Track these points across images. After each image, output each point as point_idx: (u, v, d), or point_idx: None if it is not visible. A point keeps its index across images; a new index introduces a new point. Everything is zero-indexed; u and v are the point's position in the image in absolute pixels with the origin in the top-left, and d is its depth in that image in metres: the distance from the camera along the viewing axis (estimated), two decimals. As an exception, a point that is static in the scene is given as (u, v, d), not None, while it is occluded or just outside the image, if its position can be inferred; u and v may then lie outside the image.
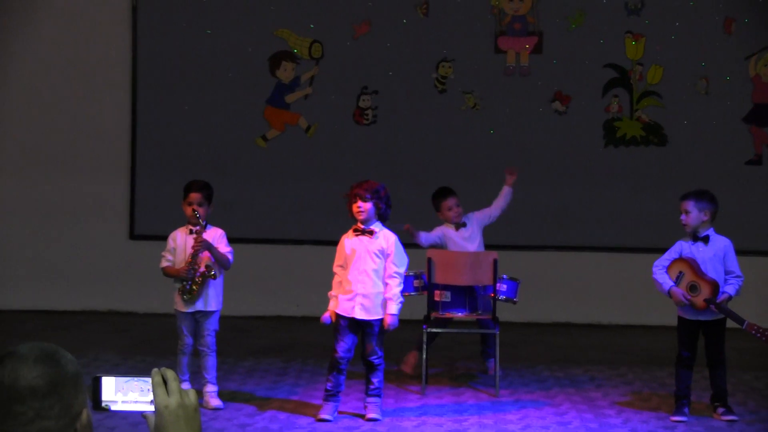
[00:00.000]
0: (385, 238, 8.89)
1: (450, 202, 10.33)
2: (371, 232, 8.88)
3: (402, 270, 8.90)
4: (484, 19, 13.23)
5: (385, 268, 8.85)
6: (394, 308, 8.78)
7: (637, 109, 13.23)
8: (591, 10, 13.13)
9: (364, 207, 8.86)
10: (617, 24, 13.16)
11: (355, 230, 8.93)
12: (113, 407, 2.94)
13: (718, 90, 13.13)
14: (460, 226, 10.32)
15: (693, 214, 8.98)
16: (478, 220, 10.47)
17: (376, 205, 8.88)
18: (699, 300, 8.68)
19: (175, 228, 9.22)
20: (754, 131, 13.15)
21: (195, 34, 13.21)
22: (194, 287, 8.94)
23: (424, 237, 10.20)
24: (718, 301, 8.69)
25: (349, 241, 8.92)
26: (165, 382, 2.83)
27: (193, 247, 8.93)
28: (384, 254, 8.85)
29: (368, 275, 8.81)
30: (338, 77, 13.30)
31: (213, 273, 8.96)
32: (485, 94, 13.26)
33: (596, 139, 13.23)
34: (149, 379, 2.86)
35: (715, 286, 8.68)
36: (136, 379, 2.94)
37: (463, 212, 10.38)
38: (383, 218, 8.99)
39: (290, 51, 13.33)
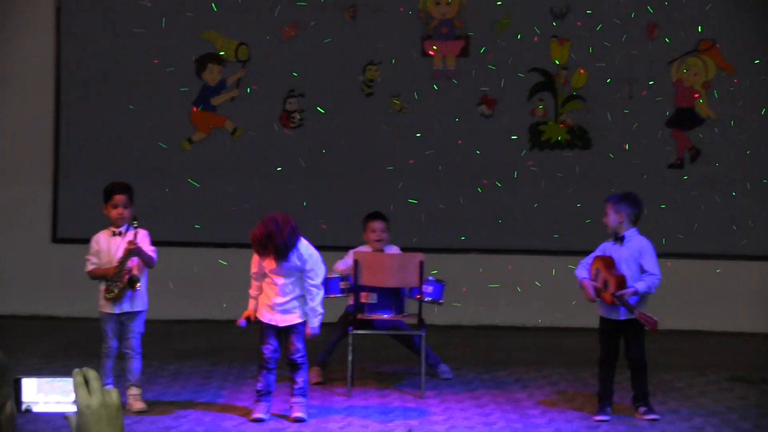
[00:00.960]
0: (298, 256, 8.88)
1: (376, 224, 10.31)
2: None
3: (318, 281, 8.90)
4: (412, 22, 13.28)
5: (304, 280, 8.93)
6: (315, 322, 8.87)
7: (561, 112, 13.33)
8: (517, 15, 13.21)
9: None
10: (543, 28, 13.25)
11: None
12: (35, 408, 2.93)
13: (641, 94, 13.27)
14: (375, 249, 10.31)
15: (610, 216, 9.11)
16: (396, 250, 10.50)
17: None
18: (607, 295, 8.80)
19: (97, 231, 9.16)
20: (676, 135, 13.29)
21: (120, 36, 13.15)
22: (116, 290, 8.93)
23: (343, 265, 10.22)
24: (620, 293, 8.79)
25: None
26: (87, 382, 2.83)
27: (126, 249, 8.91)
28: (299, 269, 8.88)
29: (284, 289, 8.86)
30: (265, 80, 13.30)
31: (137, 286, 8.97)
32: (412, 98, 13.30)
33: (522, 142, 13.32)
34: (71, 380, 2.84)
35: (621, 280, 8.79)
36: (57, 379, 2.90)
37: (387, 240, 10.38)
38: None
39: (217, 53, 13.31)
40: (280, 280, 8.85)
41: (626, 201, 9.14)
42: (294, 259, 8.81)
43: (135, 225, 9.02)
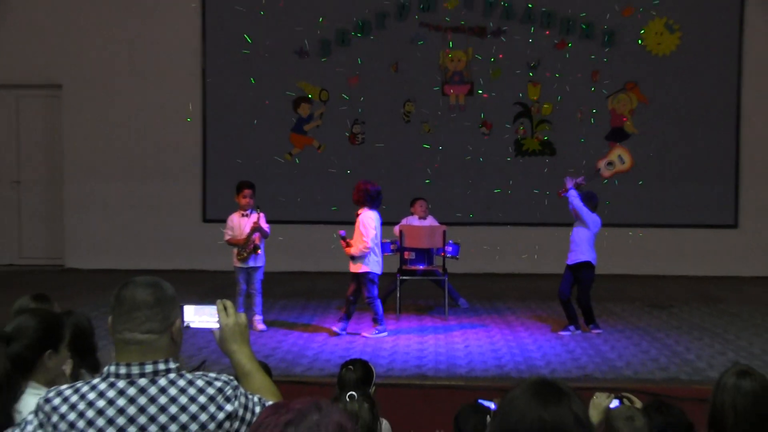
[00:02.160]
0: (360, 219, 8.92)
1: (421, 202, 10.55)
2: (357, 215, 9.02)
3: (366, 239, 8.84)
4: (435, 73, 13.33)
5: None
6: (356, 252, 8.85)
7: (535, 131, 13.35)
8: (505, 67, 13.23)
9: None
10: (522, 75, 13.27)
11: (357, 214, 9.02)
12: (192, 325, 3.00)
13: (588, 118, 13.27)
14: (421, 218, 10.46)
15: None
16: (433, 220, 10.57)
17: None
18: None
19: (231, 214, 9.28)
20: (611, 145, 13.28)
21: (242, 83, 13.29)
22: (245, 254, 9.08)
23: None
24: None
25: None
26: (225, 308, 2.93)
27: (251, 227, 9.04)
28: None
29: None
30: (338, 113, 13.37)
31: (258, 250, 9.12)
32: (436, 123, 13.35)
33: (509, 151, 13.35)
34: (215, 306, 2.94)
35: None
36: (206, 306, 2.96)
37: (427, 213, 10.51)
38: (364, 204, 8.95)
39: (306, 96, 13.41)
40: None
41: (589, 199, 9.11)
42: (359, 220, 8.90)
43: (258, 210, 9.18)
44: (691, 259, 13.09)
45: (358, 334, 8.93)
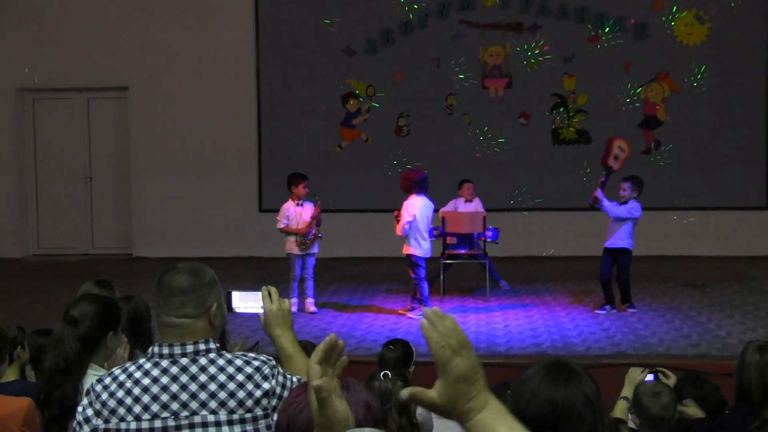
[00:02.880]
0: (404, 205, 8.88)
1: (469, 185, 10.44)
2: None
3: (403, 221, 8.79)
4: (475, 67, 13.22)
5: None
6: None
7: (572, 121, 13.19)
8: (541, 60, 13.09)
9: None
10: (558, 68, 13.11)
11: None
12: (238, 310, 3.00)
13: (623, 107, 13.07)
14: (468, 200, 10.37)
15: (626, 192, 8.92)
16: (479, 201, 10.47)
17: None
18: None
19: (282, 202, 9.28)
20: (645, 132, 13.07)
21: (294, 81, 13.31)
22: (308, 242, 9.07)
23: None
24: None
25: None
26: (270, 294, 2.91)
27: (312, 217, 9.01)
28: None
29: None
30: (384, 107, 13.34)
31: (321, 237, 9.11)
32: (477, 115, 13.25)
33: (547, 140, 13.20)
34: (260, 293, 2.93)
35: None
36: (252, 292, 3.00)
37: (474, 195, 10.42)
38: (412, 191, 8.86)
39: (354, 92, 13.39)
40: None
41: (634, 181, 8.96)
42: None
43: (317, 199, 9.17)
44: (724, 239, 12.82)
45: (409, 315, 8.88)
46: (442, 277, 9.83)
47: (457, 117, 13.24)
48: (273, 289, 2.94)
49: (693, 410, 3.92)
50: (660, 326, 8.27)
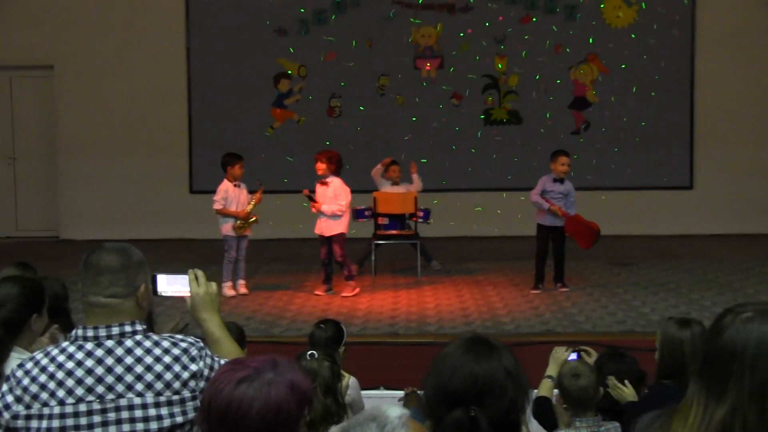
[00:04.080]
0: (333, 185, 8.95)
1: (395, 167, 10.28)
2: (326, 183, 8.98)
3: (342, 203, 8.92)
4: (407, 48, 13.26)
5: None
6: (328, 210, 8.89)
7: (503, 102, 13.33)
8: (473, 41, 13.18)
9: (321, 167, 8.94)
10: (490, 49, 13.22)
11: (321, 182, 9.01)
12: (164, 294, 2.97)
13: (552, 89, 13.25)
14: (395, 183, 10.28)
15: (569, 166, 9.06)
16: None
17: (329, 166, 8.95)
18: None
19: (216, 186, 9.15)
20: (575, 114, 13.28)
21: (224, 61, 13.19)
22: (247, 225, 9.00)
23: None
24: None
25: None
26: (196, 277, 2.90)
27: (257, 202, 8.95)
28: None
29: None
30: (316, 88, 13.30)
31: (257, 221, 9.06)
32: (409, 96, 13.29)
33: (479, 121, 13.33)
34: (186, 276, 2.91)
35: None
36: (178, 276, 2.92)
37: (400, 177, 10.30)
38: (336, 173, 8.99)
39: (286, 72, 13.32)
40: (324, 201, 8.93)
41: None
42: (331, 187, 8.90)
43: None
44: (650, 218, 13.13)
45: (342, 294, 8.93)
46: (373, 258, 9.87)
47: (389, 97, 13.27)
48: (200, 273, 2.94)
49: (628, 391, 4.04)
50: (587, 304, 8.45)
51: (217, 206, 9.02)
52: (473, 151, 13.21)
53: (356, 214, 9.67)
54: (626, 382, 4.07)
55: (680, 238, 12.72)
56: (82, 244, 12.59)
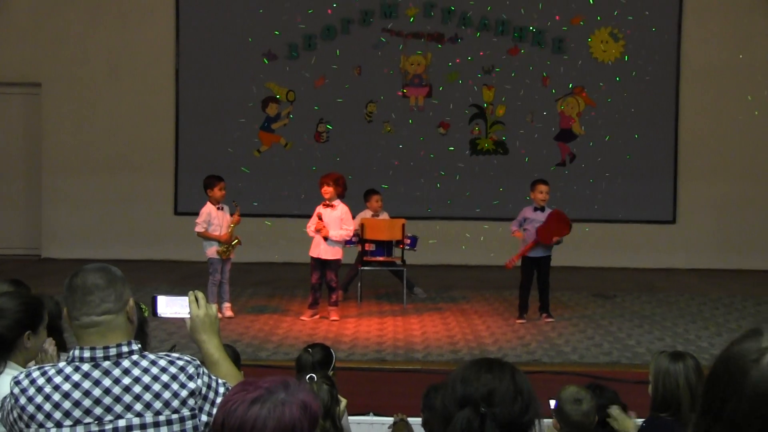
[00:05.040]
0: (341, 210, 8.96)
1: (377, 196, 10.24)
2: (333, 206, 8.97)
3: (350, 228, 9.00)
4: (396, 76, 13.29)
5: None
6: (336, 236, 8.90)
7: (490, 132, 13.36)
8: (462, 70, 13.23)
9: (329, 190, 8.94)
10: (478, 79, 13.27)
11: (325, 204, 9.01)
12: (164, 315, 2.94)
13: (539, 120, 13.31)
14: (375, 215, 10.17)
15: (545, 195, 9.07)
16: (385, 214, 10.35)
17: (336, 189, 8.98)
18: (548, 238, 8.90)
19: (200, 208, 9.11)
20: (560, 145, 13.33)
21: (213, 84, 13.17)
22: (230, 249, 8.92)
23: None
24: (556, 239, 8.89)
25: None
26: (197, 299, 2.88)
27: (233, 224, 8.88)
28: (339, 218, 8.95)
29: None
30: (304, 113, 13.29)
31: (240, 243, 9.00)
32: (397, 123, 13.31)
33: (465, 150, 13.35)
34: (186, 298, 2.89)
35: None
36: (178, 297, 2.93)
37: (382, 207, 10.22)
38: (341, 196, 9.01)
39: (275, 96, 13.31)
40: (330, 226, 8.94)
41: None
42: (338, 210, 8.98)
43: (236, 205, 9.04)
44: (633, 251, 13.17)
45: (330, 318, 8.90)
46: (359, 284, 9.83)
47: (377, 124, 13.28)
48: (200, 294, 2.92)
49: (630, 423, 4.01)
50: (573, 335, 8.44)
51: (198, 229, 8.96)
52: (457, 179, 13.19)
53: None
54: (630, 412, 4.04)
55: (662, 271, 12.76)
56: (64, 263, 12.53)
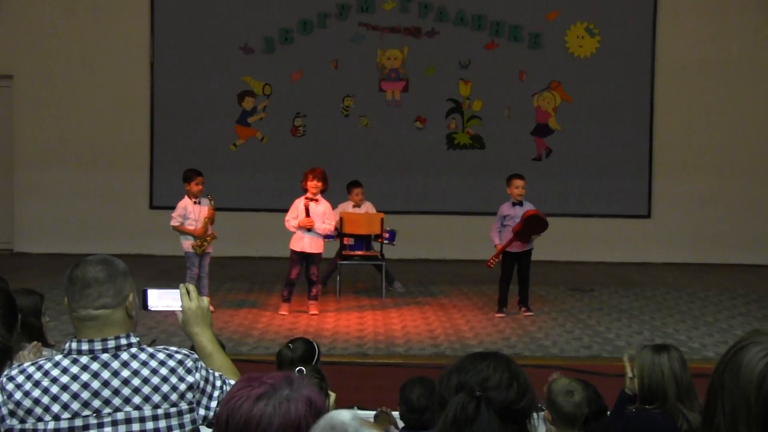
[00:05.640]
0: (325, 204, 8.99)
1: (357, 189, 10.22)
2: (317, 201, 8.96)
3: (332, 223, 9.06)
4: (372, 70, 13.27)
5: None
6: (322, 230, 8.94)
7: (466, 126, 13.38)
8: (438, 64, 13.23)
9: (317, 185, 8.94)
10: (454, 73, 13.28)
11: (308, 199, 8.97)
12: (155, 309, 2.92)
13: (516, 114, 13.34)
14: (356, 206, 10.19)
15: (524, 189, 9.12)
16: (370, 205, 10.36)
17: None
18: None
19: (176, 203, 9.03)
20: (537, 140, 13.37)
21: (189, 77, 13.08)
22: (205, 243, 8.85)
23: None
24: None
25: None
26: (188, 292, 2.88)
27: (206, 218, 8.82)
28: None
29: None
30: (281, 106, 13.23)
31: (215, 237, 8.93)
32: (373, 117, 13.29)
33: (442, 145, 13.35)
34: (178, 291, 2.88)
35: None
36: (169, 290, 2.90)
37: (363, 200, 10.23)
38: (324, 191, 9.03)
39: (251, 90, 13.24)
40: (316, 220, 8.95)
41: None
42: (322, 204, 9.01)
43: (210, 199, 8.98)
44: (609, 246, 13.25)
45: (310, 312, 8.90)
46: (338, 278, 9.81)
47: (353, 118, 13.25)
48: (191, 287, 2.91)
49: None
50: (553, 329, 8.47)
51: (173, 222, 8.91)
52: (434, 174, 13.20)
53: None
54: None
55: (637, 265, 12.85)
56: (37, 257, 12.42)
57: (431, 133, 13.29)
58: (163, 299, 2.89)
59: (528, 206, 9.10)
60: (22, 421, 2.43)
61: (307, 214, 8.85)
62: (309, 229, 8.85)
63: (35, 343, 3.56)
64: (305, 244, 8.87)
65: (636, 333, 8.33)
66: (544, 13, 13.24)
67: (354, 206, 10.16)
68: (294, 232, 8.94)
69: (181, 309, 2.85)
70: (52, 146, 13.04)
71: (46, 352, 3.98)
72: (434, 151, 13.27)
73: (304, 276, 8.95)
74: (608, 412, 4.32)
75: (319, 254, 8.92)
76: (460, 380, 2.09)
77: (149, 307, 2.87)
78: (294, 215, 8.95)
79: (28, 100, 13.02)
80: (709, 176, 13.33)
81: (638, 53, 13.31)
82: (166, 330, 7.89)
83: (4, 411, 2.45)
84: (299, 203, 8.98)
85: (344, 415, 1.80)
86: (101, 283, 2.57)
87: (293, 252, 8.93)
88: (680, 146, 13.33)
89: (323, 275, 10.02)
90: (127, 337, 2.58)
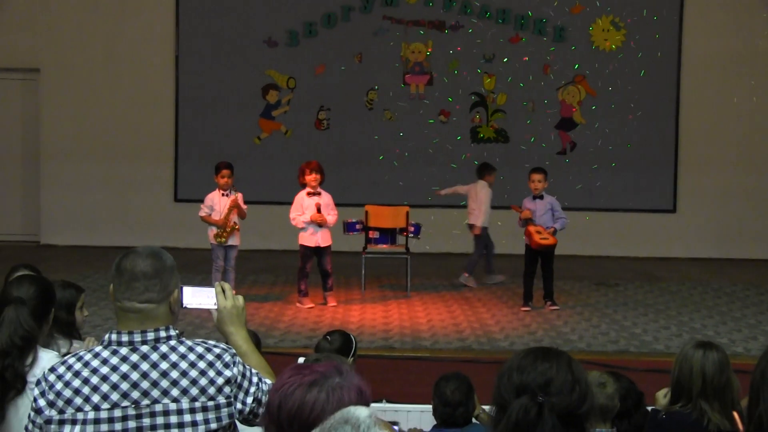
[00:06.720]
0: (326, 197, 9.00)
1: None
2: (318, 193, 8.93)
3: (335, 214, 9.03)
4: (397, 63, 13.22)
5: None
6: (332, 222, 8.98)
7: (491, 120, 13.32)
8: (462, 59, 13.17)
9: (318, 178, 8.93)
10: (478, 67, 13.21)
11: (309, 194, 8.94)
12: (189, 306, 2.90)
13: (540, 108, 13.26)
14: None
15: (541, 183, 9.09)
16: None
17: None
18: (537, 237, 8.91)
19: (204, 195, 9.09)
20: (561, 134, 13.29)
21: (213, 70, 13.09)
22: (225, 233, 8.87)
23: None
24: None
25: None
26: (223, 290, 2.86)
27: (229, 206, 8.84)
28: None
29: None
30: (305, 100, 13.21)
31: (238, 228, 8.94)
32: (397, 111, 13.25)
33: (466, 139, 13.29)
34: (213, 289, 2.86)
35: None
36: (204, 288, 2.88)
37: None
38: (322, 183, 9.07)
39: (275, 83, 13.23)
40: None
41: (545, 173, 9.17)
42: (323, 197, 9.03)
43: (235, 190, 9.00)
44: (633, 240, 13.15)
45: (329, 305, 8.91)
46: (363, 271, 9.78)
47: (377, 112, 13.21)
48: (227, 286, 2.90)
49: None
50: (579, 323, 8.41)
51: (200, 213, 8.99)
52: (454, 167, 13.10)
53: (347, 227, 9.61)
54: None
55: (662, 260, 12.75)
56: (63, 249, 12.48)
57: (455, 127, 13.23)
58: (197, 297, 2.86)
59: (549, 199, 9.07)
60: (61, 411, 2.44)
61: (318, 211, 8.83)
62: (320, 225, 8.82)
63: (89, 338, 3.59)
64: (318, 238, 8.86)
65: (663, 328, 8.26)
66: (568, 7, 13.15)
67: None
68: (303, 228, 8.89)
69: (215, 307, 2.83)
70: (78, 139, 13.09)
71: (77, 344, 3.97)
72: (458, 145, 13.21)
73: (317, 269, 8.93)
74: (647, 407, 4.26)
75: (330, 246, 8.92)
76: (522, 381, 2.09)
77: (184, 305, 2.84)
78: (299, 212, 8.91)
79: (54, 94, 13.08)
80: (735, 170, 13.19)
81: (664, 47, 13.19)
82: (192, 322, 7.89)
83: (42, 403, 2.46)
84: (302, 199, 8.95)
85: (361, 411, 1.80)
86: (149, 277, 2.56)
87: (305, 247, 8.90)
88: (706, 140, 13.20)
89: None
90: (167, 329, 2.57)
